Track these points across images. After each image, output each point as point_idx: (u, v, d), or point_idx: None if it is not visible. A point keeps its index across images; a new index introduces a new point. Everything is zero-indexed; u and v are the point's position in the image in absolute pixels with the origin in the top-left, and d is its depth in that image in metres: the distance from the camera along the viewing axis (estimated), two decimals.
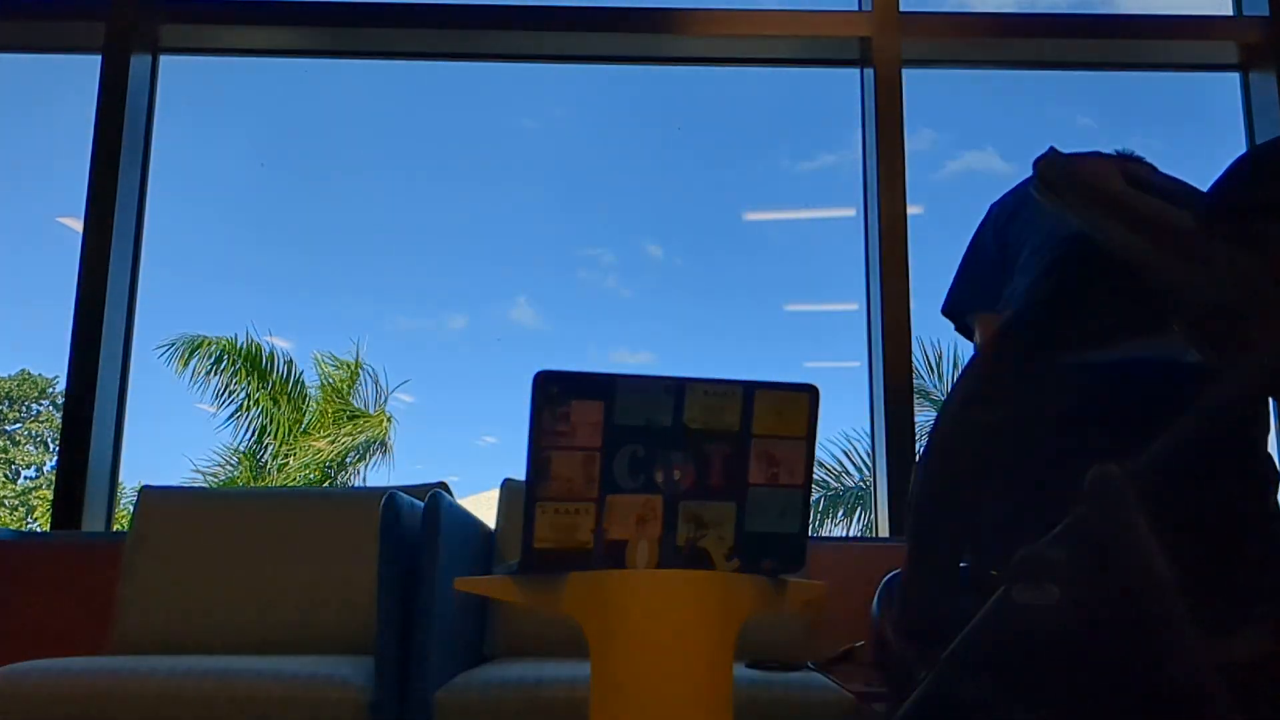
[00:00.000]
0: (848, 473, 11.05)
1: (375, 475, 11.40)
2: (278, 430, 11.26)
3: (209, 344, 11.20)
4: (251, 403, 11.31)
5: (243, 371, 11.28)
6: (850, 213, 3.57)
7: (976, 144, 13.79)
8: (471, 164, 15.33)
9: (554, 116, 15.17)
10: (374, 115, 14.06)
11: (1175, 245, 1.06)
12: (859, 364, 3.31)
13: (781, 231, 12.95)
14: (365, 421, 11.36)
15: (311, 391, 11.65)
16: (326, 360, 11.59)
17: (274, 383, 11.38)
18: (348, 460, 11.31)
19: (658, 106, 14.48)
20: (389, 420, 11.51)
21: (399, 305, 15.98)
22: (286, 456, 11.22)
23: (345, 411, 11.41)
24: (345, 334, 16.36)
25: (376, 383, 11.65)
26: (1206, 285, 1.05)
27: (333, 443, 11.17)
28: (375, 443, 11.33)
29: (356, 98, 14.09)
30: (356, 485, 11.21)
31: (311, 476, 11.09)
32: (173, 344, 10.98)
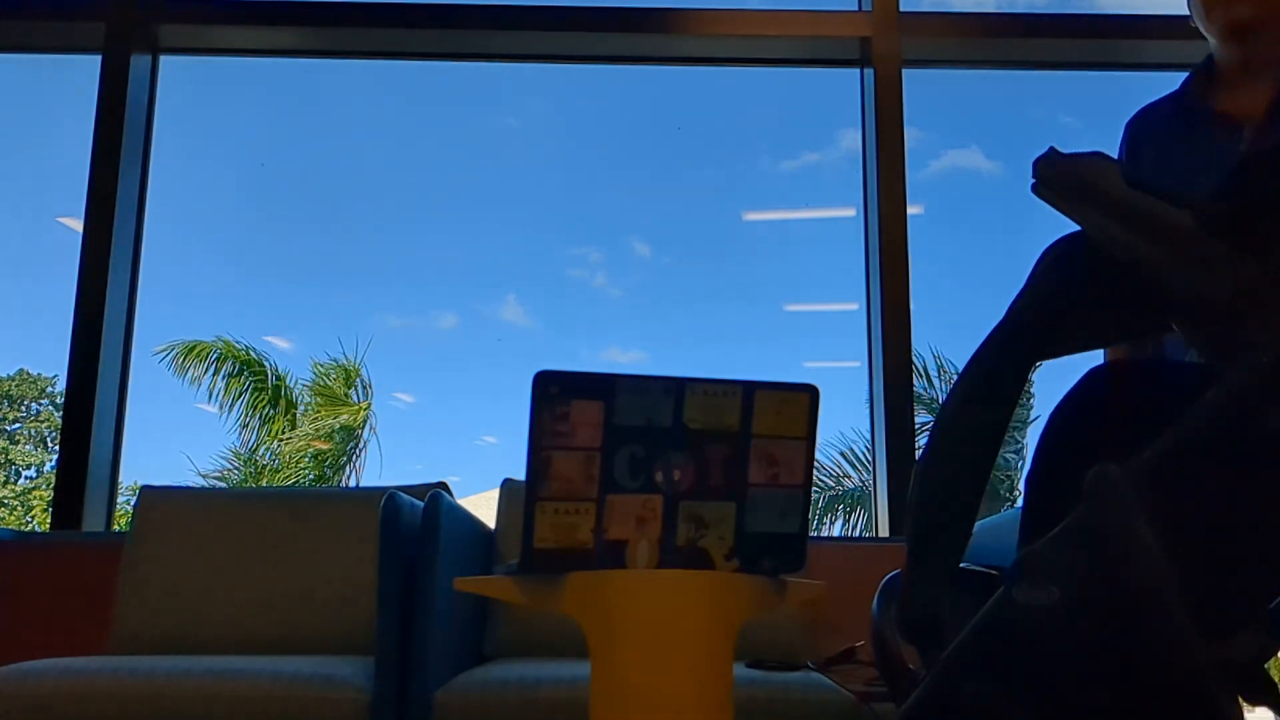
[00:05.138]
0: (848, 475, 11.06)
1: (368, 472, 11.47)
2: (271, 429, 11.32)
3: (204, 348, 11.25)
4: (247, 405, 11.37)
5: (239, 374, 11.34)
6: (850, 213, 3.57)
7: (961, 142, 13.84)
8: (461, 162, 15.36)
9: (537, 115, 15.19)
10: (368, 114, 14.09)
11: (1175, 245, 1.06)
12: (859, 363, 3.31)
13: (772, 231, 12.98)
14: (344, 409, 11.38)
15: (305, 394, 11.73)
16: (325, 366, 11.65)
17: (269, 385, 11.44)
18: (333, 451, 11.33)
19: (641, 105, 14.53)
20: (367, 408, 11.52)
21: (389, 304, 16.03)
22: (280, 456, 11.28)
23: (330, 401, 11.48)
24: (339, 333, 16.37)
25: (364, 384, 11.73)
26: (1206, 285, 1.05)
27: (314, 424, 11.21)
28: (356, 429, 11.34)
29: (352, 97, 14.13)
30: (353, 484, 11.27)
31: (310, 476, 11.12)
32: (170, 348, 11.06)
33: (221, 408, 11.33)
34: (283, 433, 11.32)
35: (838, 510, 11.13)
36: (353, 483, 11.50)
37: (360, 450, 11.47)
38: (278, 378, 11.52)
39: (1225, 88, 1.68)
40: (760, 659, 2.01)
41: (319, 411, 11.40)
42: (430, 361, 16.53)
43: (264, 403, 11.40)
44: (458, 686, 1.97)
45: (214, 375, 11.27)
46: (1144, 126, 1.80)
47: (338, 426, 11.27)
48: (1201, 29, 1.71)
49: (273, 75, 16.60)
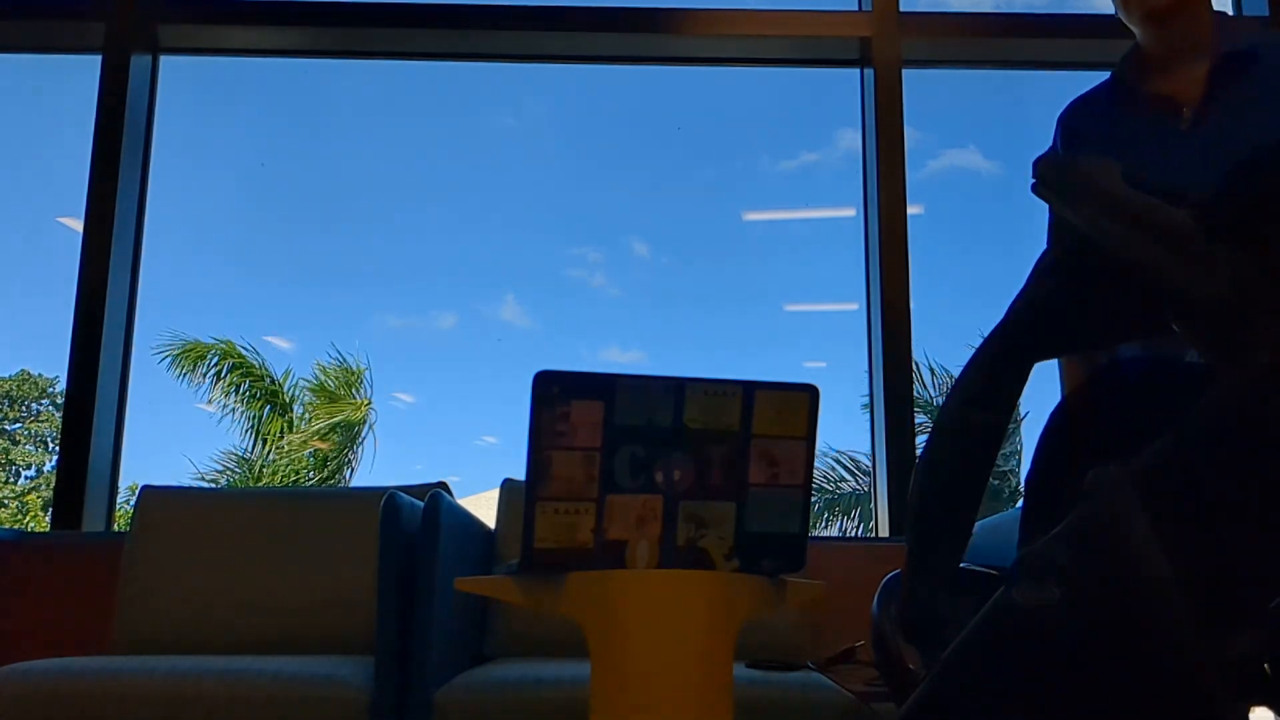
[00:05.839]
0: (844, 478, 11.05)
1: (368, 472, 11.49)
2: (270, 430, 11.33)
3: (204, 348, 11.26)
4: (247, 405, 11.39)
5: (238, 374, 11.35)
6: (850, 213, 3.57)
7: (958, 142, 13.83)
8: (461, 162, 15.37)
9: (536, 115, 15.21)
10: (368, 114, 14.10)
11: (1175, 245, 1.06)
12: (859, 364, 3.31)
13: (772, 231, 12.99)
14: (343, 406, 11.40)
15: (305, 394, 11.74)
16: (328, 368, 11.67)
17: (268, 385, 11.45)
18: (332, 451, 11.34)
19: (641, 105, 14.54)
20: (367, 407, 11.54)
21: (389, 304, 16.05)
22: (280, 455, 11.29)
23: (329, 399, 11.50)
24: (339, 333, 16.38)
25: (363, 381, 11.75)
26: (1206, 285, 1.05)
27: (314, 425, 11.22)
28: (356, 427, 11.36)
29: (352, 97, 14.13)
30: (349, 483, 11.28)
31: (309, 476, 11.13)
32: (169, 348, 11.06)
33: (222, 406, 11.34)
34: (282, 434, 11.33)
35: (836, 512, 11.13)
36: (352, 483, 11.52)
37: (360, 450, 11.50)
38: (276, 379, 11.54)
39: (1156, 71, 1.74)
40: (760, 659, 2.01)
41: (319, 412, 11.43)
42: (430, 361, 16.55)
43: (263, 403, 11.41)
44: (458, 686, 1.97)
45: (214, 376, 11.29)
46: (1081, 115, 1.85)
47: (337, 426, 11.29)
48: (1123, 19, 1.78)
49: (273, 75, 16.60)
